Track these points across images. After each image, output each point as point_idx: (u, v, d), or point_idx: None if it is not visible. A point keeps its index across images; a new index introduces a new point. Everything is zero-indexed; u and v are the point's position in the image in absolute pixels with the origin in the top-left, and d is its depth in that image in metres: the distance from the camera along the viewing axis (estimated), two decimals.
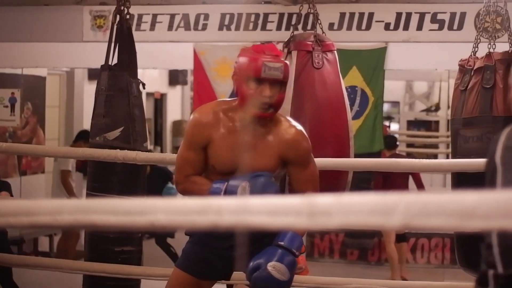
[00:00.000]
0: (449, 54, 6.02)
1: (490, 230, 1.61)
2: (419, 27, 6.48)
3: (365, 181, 7.26)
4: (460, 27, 6.38)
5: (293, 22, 6.01)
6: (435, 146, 11.72)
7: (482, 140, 4.46)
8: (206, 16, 6.86)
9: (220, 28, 6.83)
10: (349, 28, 6.60)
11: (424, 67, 7.54)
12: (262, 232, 2.95)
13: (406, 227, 1.12)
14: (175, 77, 12.64)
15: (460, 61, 4.78)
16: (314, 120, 4.48)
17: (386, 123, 11.35)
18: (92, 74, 8.90)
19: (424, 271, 8.04)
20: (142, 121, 4.58)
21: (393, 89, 11.26)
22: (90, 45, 6.97)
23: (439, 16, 6.44)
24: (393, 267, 7.54)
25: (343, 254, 8.43)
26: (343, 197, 1.13)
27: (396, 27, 6.53)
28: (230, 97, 5.51)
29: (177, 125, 13.01)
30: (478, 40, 4.85)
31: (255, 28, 6.77)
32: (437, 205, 1.09)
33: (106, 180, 4.47)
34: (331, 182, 4.35)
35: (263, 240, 3.07)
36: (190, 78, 11.93)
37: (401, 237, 7.70)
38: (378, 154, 7.09)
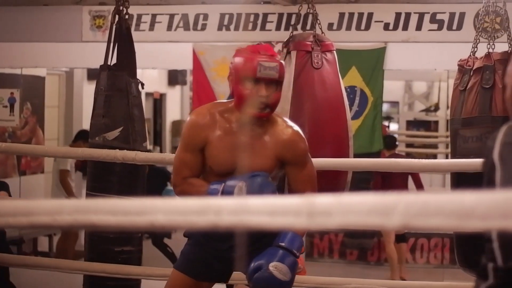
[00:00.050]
0: (449, 54, 6.02)
1: (489, 230, 1.61)
2: (418, 27, 6.48)
3: (365, 181, 7.26)
4: (459, 27, 6.38)
5: (292, 22, 6.01)
6: (435, 146, 11.72)
7: (482, 140, 4.45)
8: (205, 16, 6.86)
9: (220, 28, 6.83)
10: (348, 28, 6.60)
11: (423, 67, 7.54)
12: (261, 232, 2.96)
13: (406, 227, 1.12)
14: (175, 77, 12.64)
15: (459, 61, 4.78)
16: (313, 120, 4.48)
17: (386, 123, 11.35)
18: (92, 74, 8.89)
19: (424, 271, 8.04)
20: (141, 121, 4.58)
21: (392, 89, 11.27)
22: (89, 45, 6.97)
23: (438, 16, 6.44)
24: (392, 267, 7.54)
25: (343, 254, 8.43)
26: (343, 197, 1.13)
27: (395, 27, 6.53)
28: (229, 98, 5.51)
29: (176, 125, 13.00)
30: (478, 40, 4.85)
31: (254, 28, 6.77)
32: (436, 205, 1.09)
33: (105, 180, 4.47)
34: (331, 182, 4.35)
35: (262, 240, 3.07)
36: (189, 78, 11.93)
37: (401, 238, 7.70)
38: (377, 154, 7.09)
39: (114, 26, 4.52)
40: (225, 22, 6.81)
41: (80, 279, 4.65)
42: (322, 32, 4.83)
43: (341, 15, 6.61)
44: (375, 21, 6.57)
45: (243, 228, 1.16)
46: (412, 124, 12.41)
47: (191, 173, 3.19)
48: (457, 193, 1.10)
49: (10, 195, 5.07)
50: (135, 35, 4.69)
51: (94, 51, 6.09)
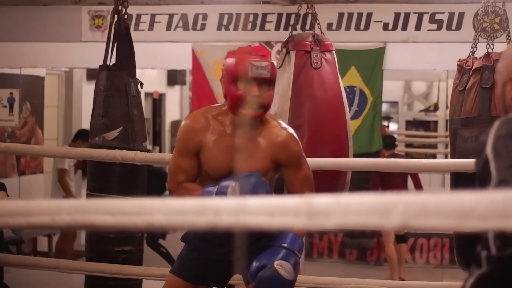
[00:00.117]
0: (448, 54, 6.02)
1: (488, 230, 1.61)
2: (418, 27, 6.48)
3: (364, 181, 7.27)
4: (458, 27, 6.38)
5: (292, 22, 6.00)
6: (434, 146, 11.73)
7: None
8: (205, 16, 6.85)
9: (219, 28, 6.83)
10: (348, 28, 6.60)
11: (422, 67, 7.54)
12: (259, 234, 2.96)
13: (405, 227, 1.12)
14: (174, 77, 12.64)
15: (458, 61, 4.78)
16: (312, 120, 4.48)
17: (385, 123, 11.36)
18: (91, 74, 8.89)
19: (423, 271, 8.04)
20: (141, 121, 4.57)
21: (391, 89, 11.28)
22: (88, 45, 6.97)
23: (438, 16, 6.44)
24: (392, 267, 7.54)
25: (342, 254, 8.43)
26: (342, 197, 1.13)
27: (394, 27, 6.53)
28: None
29: (175, 125, 12.99)
30: (477, 40, 4.85)
31: (253, 28, 6.77)
32: (435, 205, 1.09)
33: (105, 180, 4.47)
34: (330, 182, 4.35)
35: (261, 241, 3.07)
36: (188, 78, 11.92)
37: (401, 238, 7.69)
38: (376, 154, 7.09)
39: (113, 26, 4.52)
40: (224, 22, 6.81)
41: (80, 279, 4.64)
42: (321, 32, 4.83)
43: (340, 15, 6.61)
44: (374, 21, 6.57)
45: (242, 229, 1.16)
46: (412, 124, 12.41)
47: (186, 177, 3.18)
48: (456, 193, 1.10)
49: (8, 195, 5.07)
50: (134, 35, 4.68)
51: (93, 51, 6.09)
